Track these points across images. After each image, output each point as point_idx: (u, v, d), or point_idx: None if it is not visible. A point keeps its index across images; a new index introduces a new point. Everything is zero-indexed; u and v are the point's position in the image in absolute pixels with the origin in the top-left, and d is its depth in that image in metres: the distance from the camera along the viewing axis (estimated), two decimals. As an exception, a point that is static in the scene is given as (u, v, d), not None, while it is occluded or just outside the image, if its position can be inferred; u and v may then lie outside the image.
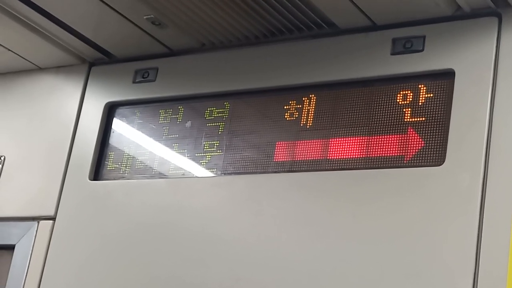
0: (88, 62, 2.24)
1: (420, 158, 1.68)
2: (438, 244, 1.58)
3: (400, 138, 1.72)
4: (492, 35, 1.69)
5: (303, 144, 1.84)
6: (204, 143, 1.98)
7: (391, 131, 1.74)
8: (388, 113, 1.75)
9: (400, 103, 1.75)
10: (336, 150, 1.79)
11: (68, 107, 2.21)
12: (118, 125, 2.14)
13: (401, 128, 1.73)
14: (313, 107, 1.85)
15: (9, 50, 2.24)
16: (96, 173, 2.10)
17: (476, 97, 1.65)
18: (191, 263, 1.84)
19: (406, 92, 1.75)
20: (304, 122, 1.85)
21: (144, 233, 1.93)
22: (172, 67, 2.10)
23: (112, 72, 2.19)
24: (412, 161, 1.69)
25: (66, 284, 2.00)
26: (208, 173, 1.96)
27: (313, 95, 1.86)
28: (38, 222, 2.11)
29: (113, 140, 2.13)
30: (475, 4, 1.72)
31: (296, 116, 1.87)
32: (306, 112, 1.86)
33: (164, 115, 2.07)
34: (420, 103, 1.72)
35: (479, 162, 1.60)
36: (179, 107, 2.06)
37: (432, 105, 1.71)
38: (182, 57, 2.11)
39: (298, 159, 1.83)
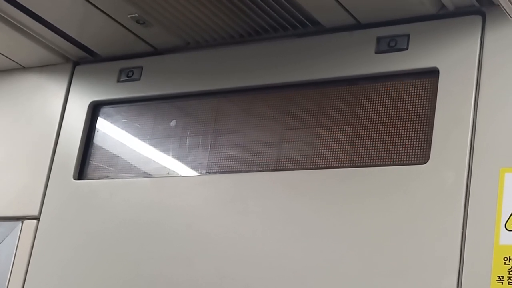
0: (72, 61, 2.23)
1: (405, 157, 1.69)
2: (422, 242, 1.58)
3: (385, 137, 1.72)
4: (476, 34, 1.69)
5: (288, 142, 1.84)
6: (188, 142, 1.98)
7: (375, 129, 1.74)
8: (373, 112, 1.76)
9: (384, 101, 1.75)
10: (320, 148, 1.79)
11: (52, 106, 2.20)
12: (103, 124, 2.14)
13: (386, 126, 1.73)
14: (298, 106, 1.85)
15: (-8, 49, 2.23)
16: (81, 172, 2.10)
17: (461, 95, 1.66)
18: (176, 262, 1.83)
19: (391, 90, 1.75)
20: (289, 121, 1.85)
21: (128, 232, 1.93)
22: (157, 66, 2.10)
23: (96, 71, 2.18)
24: (397, 159, 1.69)
25: (50, 283, 1.99)
26: (193, 172, 1.96)
27: (298, 94, 1.86)
28: (22, 222, 2.10)
29: (97, 139, 2.13)
30: (459, 3, 1.72)
31: (281, 114, 1.87)
32: (291, 111, 1.86)
33: (149, 114, 2.06)
34: (404, 102, 1.73)
35: (463, 160, 1.60)
36: (163, 106, 2.05)
37: (417, 103, 1.71)
38: (167, 56, 2.10)
39: (283, 157, 1.83)
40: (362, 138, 1.75)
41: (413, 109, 1.71)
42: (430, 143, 1.65)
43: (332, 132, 1.79)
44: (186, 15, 1.93)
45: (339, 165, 1.75)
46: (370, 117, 1.76)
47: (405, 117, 1.71)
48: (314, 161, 1.79)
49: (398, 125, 1.71)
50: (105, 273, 1.92)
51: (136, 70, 2.11)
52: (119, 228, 1.95)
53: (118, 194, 1.99)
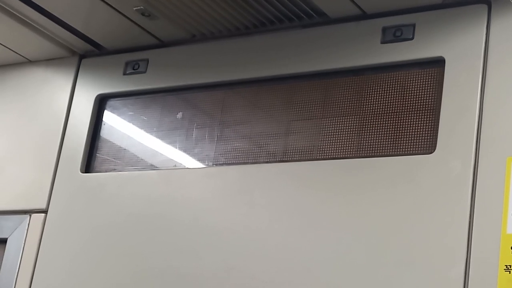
0: (78, 54, 2.23)
1: (411, 146, 1.69)
2: (429, 232, 1.58)
3: (391, 127, 1.72)
4: (481, 23, 1.69)
5: (294, 134, 1.84)
6: (195, 134, 1.98)
7: (382, 119, 1.74)
8: (379, 102, 1.76)
9: (390, 91, 1.75)
10: (327, 139, 1.79)
11: (59, 99, 2.20)
12: (109, 117, 2.14)
13: (392, 116, 1.73)
14: (304, 97, 1.85)
15: (-2, 43, 2.24)
16: (88, 165, 2.10)
17: (467, 85, 1.65)
18: (183, 254, 1.84)
19: (397, 80, 1.75)
20: (295, 112, 1.85)
21: (136, 224, 1.93)
22: (163, 58, 2.10)
23: (102, 64, 2.19)
24: (403, 149, 1.69)
25: (59, 276, 2.00)
26: (199, 164, 1.96)
27: (304, 85, 1.86)
28: (30, 215, 2.10)
29: (104, 132, 2.13)
30: (464, -8, 1.73)
31: (287, 105, 1.87)
32: (297, 102, 1.86)
33: (155, 106, 2.07)
34: (410, 91, 1.72)
35: (470, 149, 1.60)
36: (170, 98, 2.05)
37: (423, 93, 1.71)
38: (172, 49, 2.10)
39: (290, 149, 1.83)
40: (368, 128, 1.75)
41: (420, 98, 1.71)
42: (437, 132, 1.65)
43: (338, 123, 1.79)
44: (192, 7, 1.93)
45: (346, 155, 1.75)
46: (376, 107, 1.76)
47: (411, 107, 1.71)
48: (320, 152, 1.79)
49: (405, 115, 1.71)
50: (113, 265, 1.93)
51: (142, 62, 2.11)
52: (126, 220, 1.95)
53: (125, 186, 2.00)
